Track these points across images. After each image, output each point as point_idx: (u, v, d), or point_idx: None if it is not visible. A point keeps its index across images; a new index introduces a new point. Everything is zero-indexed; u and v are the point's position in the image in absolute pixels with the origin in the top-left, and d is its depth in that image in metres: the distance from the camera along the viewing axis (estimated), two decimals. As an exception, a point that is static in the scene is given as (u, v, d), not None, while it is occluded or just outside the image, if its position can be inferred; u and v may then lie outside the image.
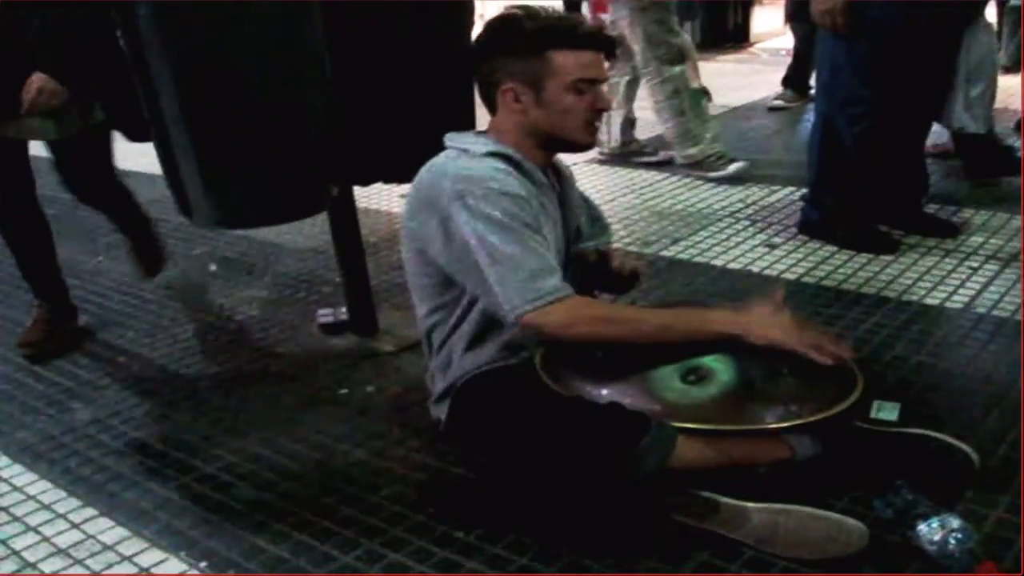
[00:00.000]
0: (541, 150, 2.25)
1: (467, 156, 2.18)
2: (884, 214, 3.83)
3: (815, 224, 3.84)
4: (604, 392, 2.14)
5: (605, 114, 2.43)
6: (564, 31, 2.15)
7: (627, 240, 3.94)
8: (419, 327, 2.38)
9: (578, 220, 2.44)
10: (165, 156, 2.74)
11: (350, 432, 2.59)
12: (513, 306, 2.05)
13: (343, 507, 2.25)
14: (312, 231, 4.15)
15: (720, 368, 2.15)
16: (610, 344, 2.15)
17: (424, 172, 2.24)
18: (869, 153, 3.62)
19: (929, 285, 3.32)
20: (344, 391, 2.83)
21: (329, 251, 3.77)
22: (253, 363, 3.08)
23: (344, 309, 3.26)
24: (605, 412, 2.06)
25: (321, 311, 3.32)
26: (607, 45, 2.22)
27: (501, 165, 2.14)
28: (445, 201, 2.11)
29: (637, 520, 2.07)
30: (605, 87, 2.25)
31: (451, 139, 2.27)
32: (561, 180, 2.36)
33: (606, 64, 2.24)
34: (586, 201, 2.56)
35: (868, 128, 3.56)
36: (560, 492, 2.13)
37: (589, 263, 2.46)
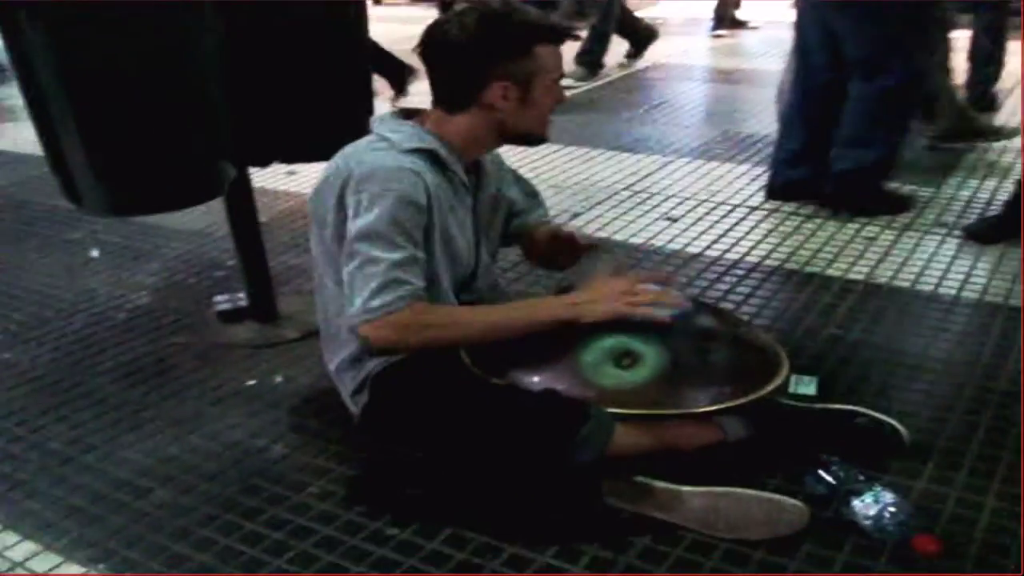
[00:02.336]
0: (493, 145, 2.24)
1: (388, 148, 2.10)
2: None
3: (800, 184, 3.92)
4: (536, 379, 2.11)
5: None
6: (546, 27, 2.13)
7: (526, 216, 3.90)
8: (321, 313, 2.30)
9: (504, 202, 2.40)
10: (48, 139, 2.58)
11: (265, 426, 2.49)
12: (351, 315, 2.02)
13: (269, 508, 2.16)
14: (196, 211, 3.95)
15: (650, 351, 2.14)
16: (449, 347, 2.14)
17: (339, 154, 2.16)
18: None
19: (829, 257, 3.39)
20: (252, 382, 2.72)
21: (217, 233, 3.66)
22: (150, 355, 2.93)
23: (242, 295, 3.14)
24: (542, 401, 2.03)
25: (218, 298, 3.19)
26: (568, 39, 2.21)
27: (417, 164, 2.07)
28: (346, 189, 2.06)
29: (576, 508, 2.04)
30: None
31: (380, 124, 2.19)
32: (480, 175, 2.30)
33: None
34: (518, 178, 2.54)
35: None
36: (496, 483, 2.08)
37: (541, 242, 2.46)
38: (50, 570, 2.01)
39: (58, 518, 2.18)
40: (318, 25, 2.75)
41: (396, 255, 2.00)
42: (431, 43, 2.11)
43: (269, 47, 2.70)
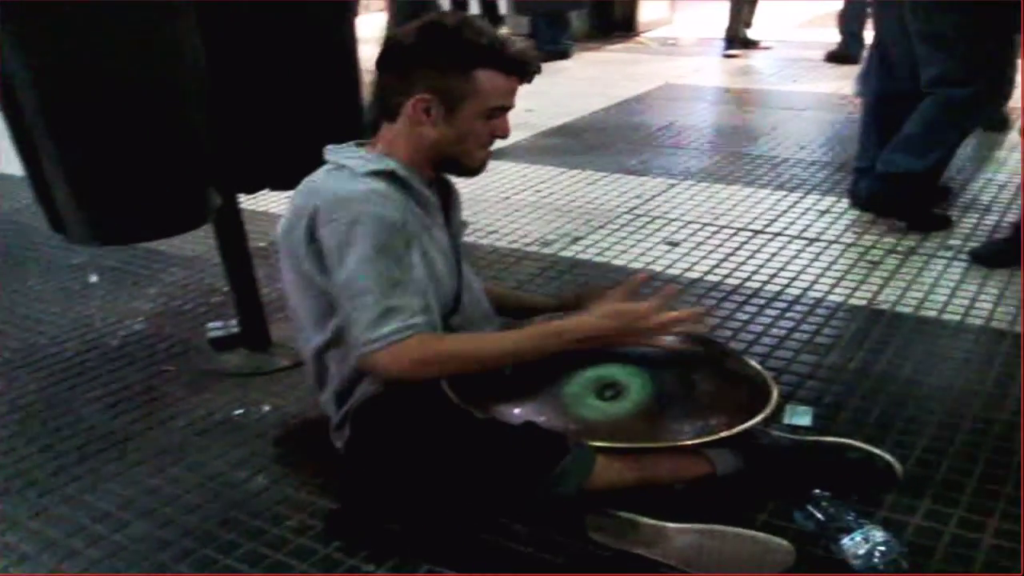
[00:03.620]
0: (430, 167, 2.16)
1: (345, 174, 2.07)
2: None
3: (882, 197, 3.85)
4: (517, 412, 2.06)
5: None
6: (496, 52, 2.03)
7: (526, 240, 3.87)
8: (304, 350, 2.26)
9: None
10: (32, 169, 2.56)
11: (249, 457, 2.45)
12: (358, 346, 1.97)
13: (246, 542, 2.12)
14: (198, 236, 3.92)
15: (634, 382, 2.09)
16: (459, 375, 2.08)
17: (299, 189, 2.13)
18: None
19: (832, 281, 3.33)
20: (239, 412, 2.68)
21: (215, 259, 3.60)
22: (140, 383, 2.90)
23: (234, 322, 3.11)
24: (521, 434, 1.98)
25: (211, 324, 3.16)
26: (533, 74, 2.10)
27: (380, 186, 2.03)
28: (316, 222, 2.01)
29: (556, 542, 1.99)
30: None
31: (332, 152, 2.15)
32: (448, 198, 2.27)
33: None
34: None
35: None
36: (475, 519, 2.04)
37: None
38: (19, 608, 1.98)
39: (35, 551, 2.14)
40: (307, 50, 2.71)
41: (388, 281, 1.95)
42: (381, 50, 2.09)
43: (256, 72, 2.68)
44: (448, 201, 2.25)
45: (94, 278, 3.74)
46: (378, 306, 1.94)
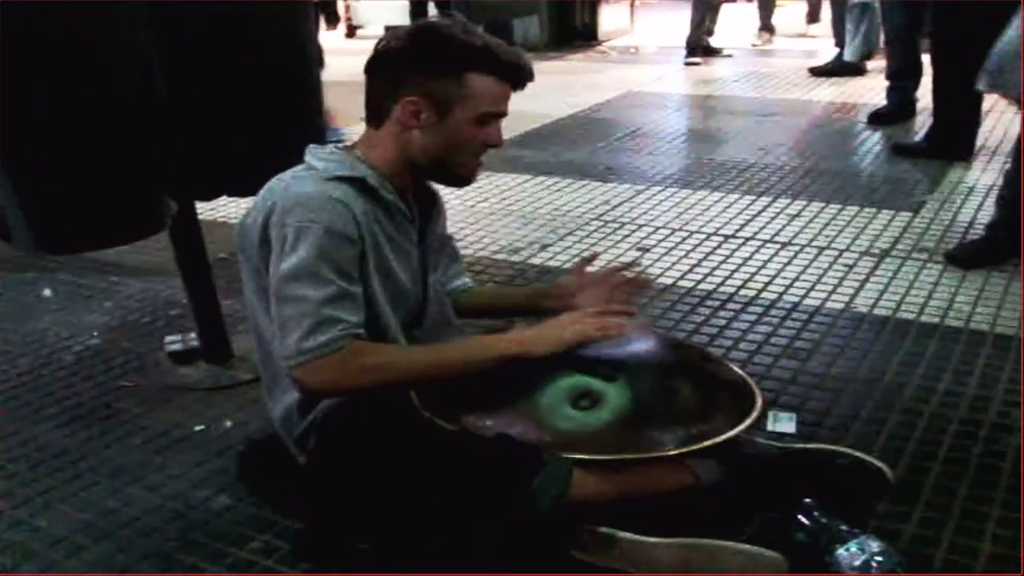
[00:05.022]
0: (412, 177, 2.07)
1: (311, 176, 1.97)
2: None
3: None
4: (489, 423, 1.97)
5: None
6: (490, 56, 1.94)
7: (494, 248, 3.78)
8: (262, 362, 2.16)
9: (447, 247, 2.30)
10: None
11: (210, 475, 2.34)
12: (285, 358, 1.88)
13: (208, 566, 2.01)
14: (156, 248, 3.81)
15: (611, 390, 2.01)
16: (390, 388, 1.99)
17: (267, 185, 2.03)
18: None
19: (807, 285, 3.27)
20: (199, 428, 2.57)
21: (174, 270, 3.50)
22: (96, 399, 2.77)
23: (194, 335, 3.00)
24: (493, 447, 1.89)
25: (169, 338, 3.05)
26: (526, 80, 2.02)
27: (343, 193, 1.93)
28: (269, 221, 1.92)
29: (533, 559, 1.89)
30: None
31: (309, 152, 2.06)
32: (431, 207, 2.18)
33: None
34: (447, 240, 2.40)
35: None
36: (447, 536, 1.93)
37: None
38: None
39: (-19, 580, 2.03)
40: (264, 54, 2.62)
41: (327, 292, 1.86)
42: (372, 54, 2.00)
43: (212, 74, 2.58)
44: (428, 211, 2.16)
45: (47, 292, 3.61)
46: (312, 317, 1.85)
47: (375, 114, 2.01)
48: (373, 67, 2.00)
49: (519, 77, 2.00)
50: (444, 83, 1.93)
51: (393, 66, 1.97)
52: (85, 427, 2.62)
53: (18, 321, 3.36)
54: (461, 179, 2.08)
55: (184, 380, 2.87)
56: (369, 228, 1.95)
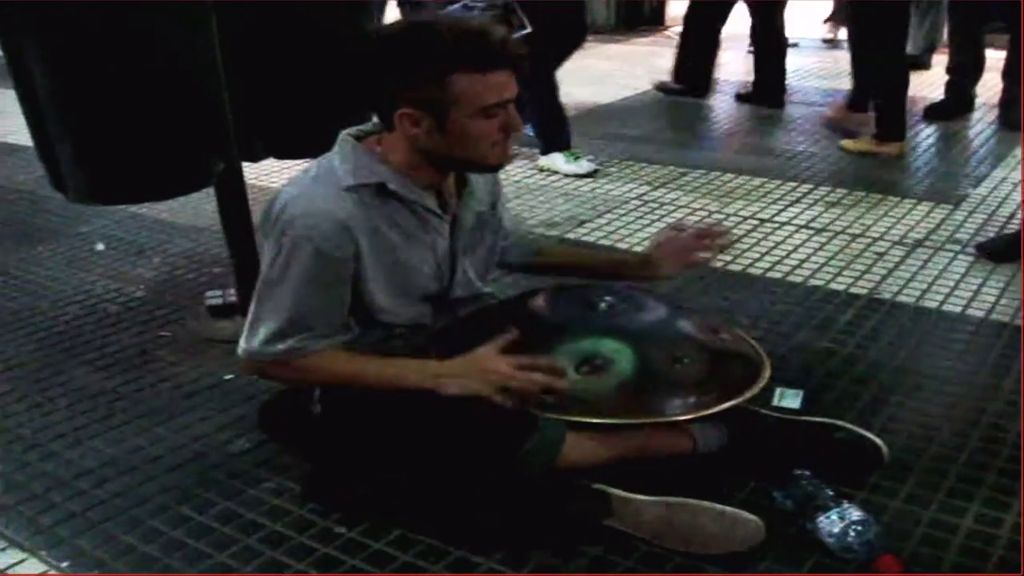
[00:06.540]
0: (438, 172, 2.04)
1: (324, 183, 1.99)
2: None
3: None
4: None
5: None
6: (467, 52, 1.86)
7: (532, 223, 3.85)
8: None
9: (494, 220, 2.27)
10: (36, 127, 2.59)
11: (234, 420, 2.45)
12: (243, 348, 2.04)
13: (222, 501, 2.12)
14: (205, 208, 3.96)
15: (619, 357, 2.06)
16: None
17: (292, 179, 2.10)
18: None
19: (834, 271, 3.30)
20: (229, 377, 2.68)
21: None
22: (135, 347, 2.91)
23: (233, 291, 3.12)
24: (490, 409, 1.96)
25: (209, 292, 3.17)
26: (516, 61, 1.92)
27: (352, 205, 1.95)
28: (275, 223, 1.98)
29: (527, 514, 1.97)
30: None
31: (339, 145, 2.04)
32: (462, 193, 2.14)
33: None
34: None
35: None
36: (445, 489, 2.02)
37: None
38: (-10, 554, 1.99)
39: (14, 502, 2.16)
40: (317, 18, 2.72)
41: (298, 309, 1.97)
42: (356, 70, 2.02)
43: (264, 41, 2.69)
44: (462, 201, 2.13)
45: (100, 246, 3.76)
46: (280, 323, 1.98)
47: (383, 121, 2.00)
48: (363, 82, 2.01)
49: (503, 59, 1.90)
50: (429, 91, 1.87)
51: (377, 84, 1.95)
52: (121, 372, 2.75)
53: (69, 272, 3.52)
54: (489, 167, 2.06)
55: (220, 332, 2.98)
56: (378, 235, 1.99)
